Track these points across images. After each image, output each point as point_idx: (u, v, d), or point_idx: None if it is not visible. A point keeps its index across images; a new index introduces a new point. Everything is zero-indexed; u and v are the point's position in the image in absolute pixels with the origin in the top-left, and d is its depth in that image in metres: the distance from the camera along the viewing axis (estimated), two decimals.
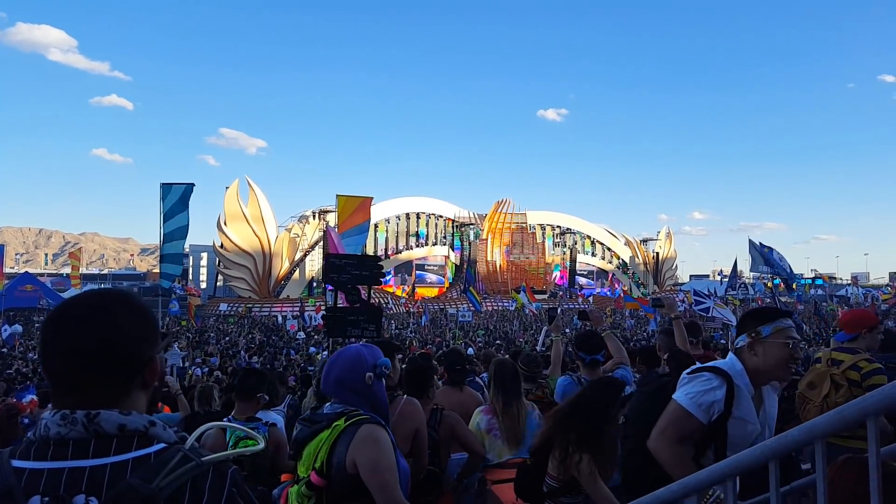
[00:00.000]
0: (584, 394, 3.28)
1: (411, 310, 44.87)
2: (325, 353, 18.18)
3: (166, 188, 18.90)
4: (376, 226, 59.84)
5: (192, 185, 19.58)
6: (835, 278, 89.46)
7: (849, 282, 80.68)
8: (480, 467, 3.88)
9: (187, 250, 60.04)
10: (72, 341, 1.12)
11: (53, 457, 1.08)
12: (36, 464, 1.08)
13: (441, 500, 3.57)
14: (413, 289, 57.23)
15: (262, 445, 1.32)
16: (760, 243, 19.64)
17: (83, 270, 67.78)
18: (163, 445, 1.14)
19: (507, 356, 5.84)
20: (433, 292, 62.68)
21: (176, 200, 18.77)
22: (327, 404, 2.51)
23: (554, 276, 69.89)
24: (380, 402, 2.48)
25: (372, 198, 26.38)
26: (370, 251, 56.62)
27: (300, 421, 2.52)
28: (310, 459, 2.34)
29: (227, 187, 49.78)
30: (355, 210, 26.23)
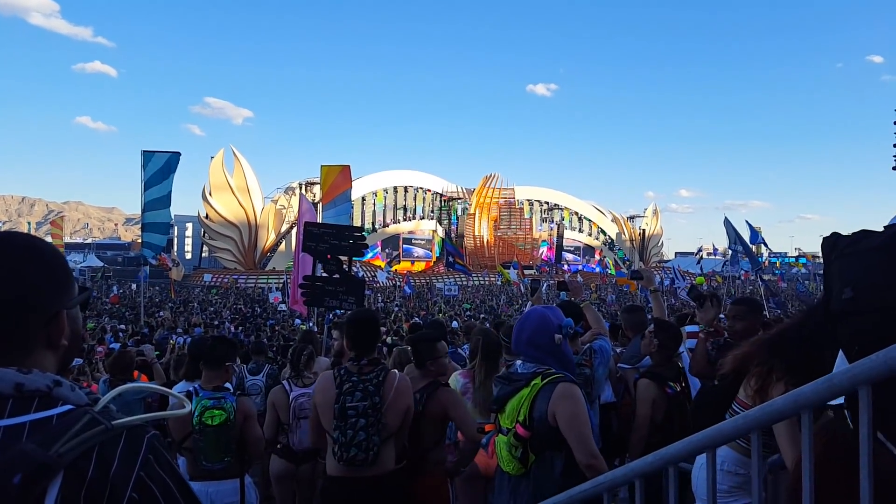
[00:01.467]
0: (796, 322, 3.25)
1: (397, 283, 44.84)
2: (309, 324, 18.09)
3: (148, 156, 18.50)
4: (363, 199, 59.53)
5: (178, 153, 19.13)
6: (818, 257, 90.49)
7: None
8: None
9: (172, 220, 59.58)
10: None
11: None
12: None
13: (424, 480, 3.41)
14: (392, 261, 57.05)
15: (187, 409, 1.15)
16: (747, 222, 19.78)
17: (66, 240, 67.05)
18: (69, 407, 1.00)
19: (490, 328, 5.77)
20: (420, 266, 62.68)
21: (158, 169, 18.37)
22: (518, 363, 2.77)
23: (541, 251, 70.09)
24: (568, 360, 2.78)
25: (349, 165, 26.01)
26: (356, 224, 56.47)
27: (498, 379, 2.83)
28: (513, 413, 2.63)
29: (212, 157, 49.21)
30: (336, 179, 25.88)
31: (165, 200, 18.67)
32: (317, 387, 3.45)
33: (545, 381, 2.61)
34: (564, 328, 2.75)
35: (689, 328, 5.37)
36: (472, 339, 4.39)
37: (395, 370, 3.40)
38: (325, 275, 6.93)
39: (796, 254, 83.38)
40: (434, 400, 3.49)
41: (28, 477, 0.88)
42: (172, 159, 18.66)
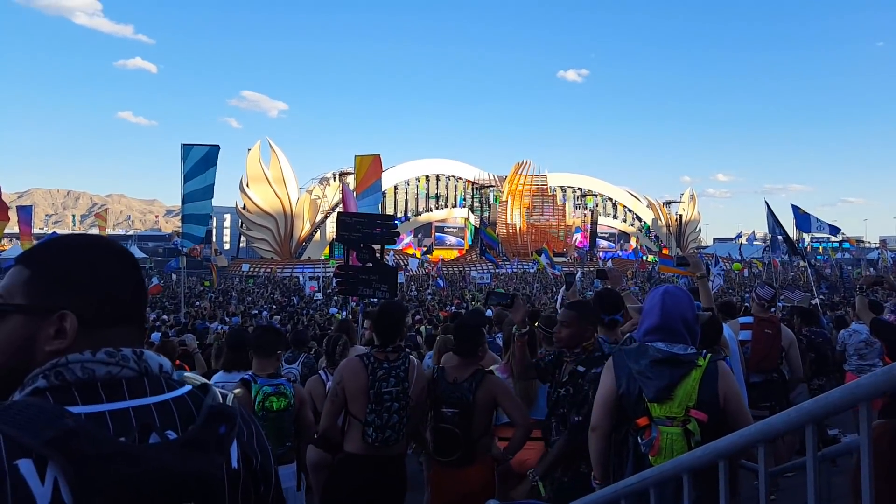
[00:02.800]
0: None
1: (431, 272, 44.93)
2: (344, 313, 18.22)
3: (187, 149, 18.79)
4: (396, 187, 59.68)
5: (217, 146, 19.39)
6: (863, 242, 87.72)
7: (877, 245, 79.01)
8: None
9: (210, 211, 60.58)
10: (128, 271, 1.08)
11: (110, 398, 0.96)
12: (89, 407, 0.94)
13: (473, 469, 3.48)
14: (429, 250, 57.23)
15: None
16: (794, 206, 19.09)
17: (109, 231, 68.82)
18: (190, 388, 1.09)
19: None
20: (452, 254, 62.67)
21: (197, 161, 18.66)
22: (660, 344, 2.52)
23: (574, 238, 69.40)
24: (697, 340, 2.66)
25: (379, 155, 26.02)
26: (389, 213, 56.68)
27: (661, 363, 2.48)
28: (686, 399, 2.43)
29: (248, 149, 49.88)
30: (368, 169, 25.98)
31: (206, 192, 18.92)
32: (345, 374, 3.51)
33: (707, 361, 2.49)
34: (699, 310, 2.83)
35: (742, 319, 5.24)
36: (504, 329, 4.34)
37: (413, 356, 3.64)
38: (358, 263, 6.97)
39: (840, 238, 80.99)
40: (484, 388, 3.50)
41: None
42: (212, 152, 18.91)
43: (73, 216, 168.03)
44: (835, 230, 18.40)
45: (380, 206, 47.94)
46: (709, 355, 2.55)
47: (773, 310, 5.78)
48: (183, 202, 19.26)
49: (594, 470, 2.70)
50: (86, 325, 1.00)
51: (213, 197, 19.14)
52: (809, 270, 16.44)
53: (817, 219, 18.08)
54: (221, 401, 1.08)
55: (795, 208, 18.40)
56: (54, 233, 49.24)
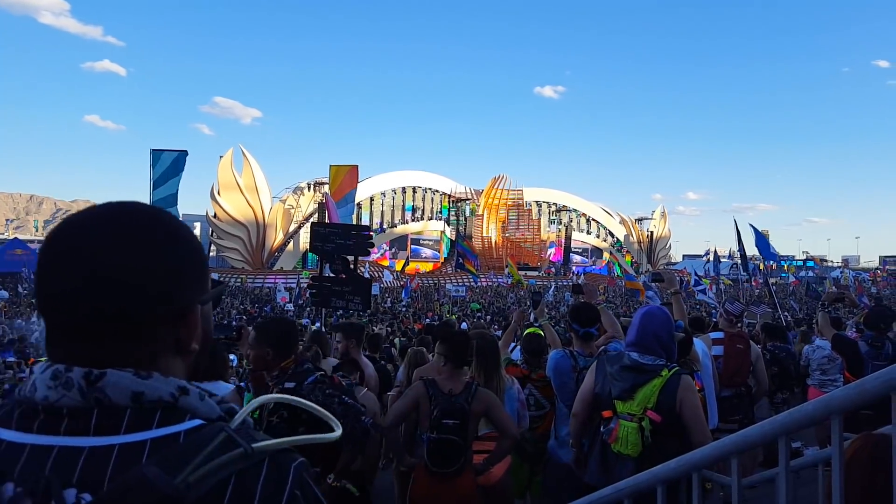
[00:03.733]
0: None
1: (407, 283, 44.80)
2: (318, 324, 18.07)
3: (156, 155, 18.64)
4: (371, 199, 59.58)
5: (185, 152, 19.26)
6: (826, 261, 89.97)
7: (839, 264, 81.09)
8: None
9: (180, 219, 59.70)
10: (77, 264, 0.77)
11: (41, 429, 0.76)
12: (17, 435, 0.76)
13: (463, 478, 3.50)
14: (405, 262, 57.17)
15: (338, 432, 0.90)
16: (751, 225, 19.65)
17: None
18: (198, 422, 0.79)
19: (500, 332, 5.73)
20: (428, 267, 62.63)
21: (166, 167, 18.49)
22: (634, 354, 3.04)
23: (549, 252, 69.89)
24: (674, 355, 3.14)
25: (357, 166, 26.03)
26: (365, 224, 56.48)
27: (626, 369, 3.03)
28: (644, 401, 2.94)
29: (221, 156, 49.31)
30: (344, 179, 26.00)
31: (172, 199, 18.76)
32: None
33: (671, 373, 2.95)
34: (679, 328, 3.25)
35: (713, 335, 5.32)
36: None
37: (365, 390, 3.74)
38: (332, 274, 6.92)
39: (804, 257, 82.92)
40: (478, 399, 3.54)
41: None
42: (180, 158, 18.75)
43: (36, 221, 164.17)
44: (773, 257, 19.14)
45: (353, 216, 47.70)
46: (675, 368, 2.98)
47: (739, 325, 5.88)
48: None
49: (573, 442, 3.41)
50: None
51: (176, 204, 19.00)
52: (770, 288, 16.85)
53: (770, 245, 18.71)
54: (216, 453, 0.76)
55: (754, 228, 18.95)
56: (16, 238, 48.02)
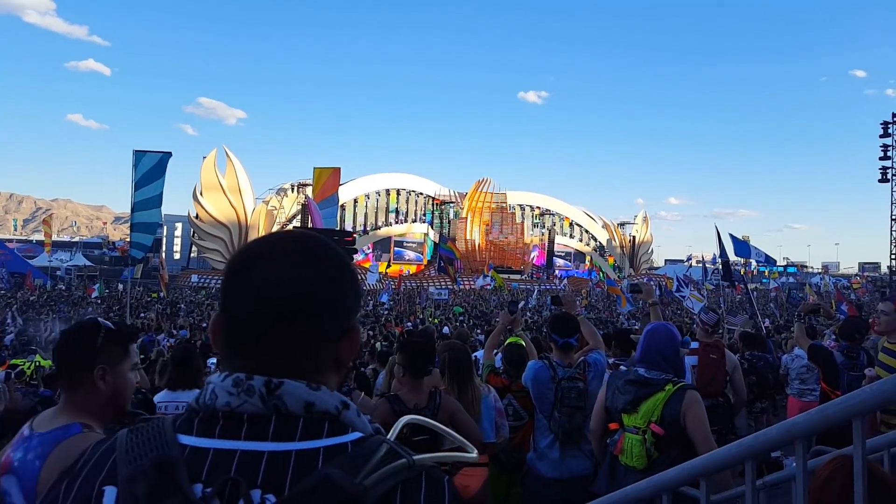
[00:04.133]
0: None
1: (390, 286, 44.70)
2: None
3: (139, 155, 18.32)
4: (355, 200, 59.41)
5: (169, 153, 18.94)
6: (806, 267, 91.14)
7: (819, 271, 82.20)
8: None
9: (161, 219, 59.09)
10: (271, 283, 0.86)
11: (222, 434, 0.82)
12: (200, 440, 0.82)
13: None
14: (388, 265, 57.10)
15: (474, 454, 0.98)
16: (731, 235, 19.78)
17: (54, 237, 66.42)
18: (360, 435, 0.86)
19: (482, 336, 5.73)
20: (411, 269, 62.57)
21: (149, 169, 18.20)
22: (641, 369, 3.13)
23: (532, 256, 70.14)
24: (681, 370, 3.25)
25: (339, 168, 25.99)
26: (349, 226, 56.27)
27: (631, 382, 3.12)
28: (648, 414, 3.01)
29: (204, 157, 48.90)
30: (326, 181, 25.94)
31: (156, 201, 18.47)
32: None
33: (676, 388, 3.02)
34: (684, 344, 3.47)
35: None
36: (438, 354, 4.28)
37: (358, 391, 3.71)
38: None
39: (784, 263, 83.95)
40: (443, 409, 3.48)
41: None
42: (164, 159, 18.46)
43: (15, 220, 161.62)
44: (771, 260, 19.06)
45: (337, 218, 47.46)
46: (680, 383, 3.05)
47: (718, 333, 5.94)
48: (133, 210, 18.75)
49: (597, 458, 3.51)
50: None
51: (161, 206, 18.71)
52: (750, 295, 17.01)
53: (755, 247, 18.74)
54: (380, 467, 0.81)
55: (733, 237, 19.07)
56: None
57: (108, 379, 1.82)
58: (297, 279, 0.87)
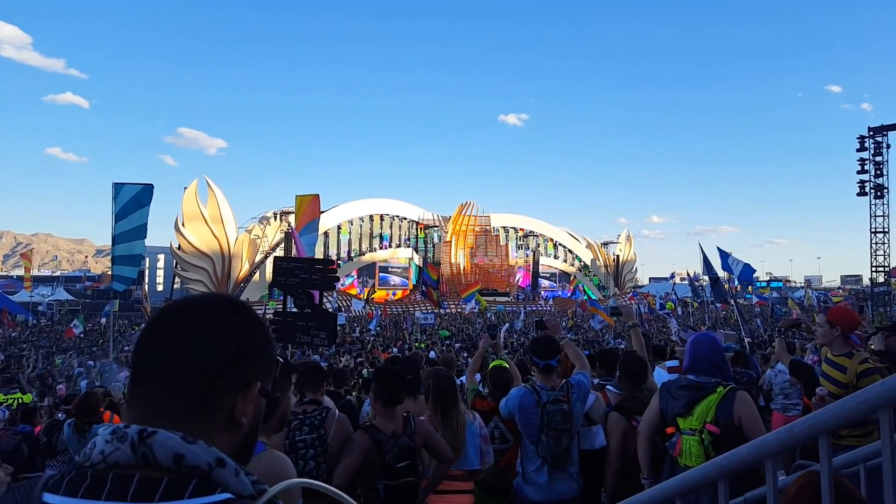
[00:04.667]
0: None
1: (376, 312, 44.45)
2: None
3: (118, 188, 18.27)
4: (339, 227, 59.32)
5: (151, 185, 18.88)
6: (789, 281, 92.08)
7: (802, 285, 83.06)
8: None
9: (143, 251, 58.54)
10: (167, 345, 0.90)
11: (86, 493, 0.80)
12: (64, 500, 0.80)
13: None
14: (371, 291, 56.82)
15: None
16: (718, 248, 19.89)
17: (35, 272, 65.54)
18: (227, 496, 0.81)
19: (470, 358, 5.72)
20: (397, 295, 62.35)
21: (128, 200, 18.12)
22: (691, 376, 3.37)
23: (517, 278, 70.25)
24: (728, 374, 3.50)
25: (318, 195, 25.88)
26: (332, 252, 56.10)
27: (683, 388, 3.36)
28: (702, 416, 3.21)
29: (185, 188, 48.69)
30: (307, 208, 25.79)
31: (139, 232, 18.34)
32: None
33: (727, 389, 3.23)
34: (729, 350, 3.82)
35: (668, 363, 5.40)
36: (423, 381, 4.27)
37: (337, 411, 3.76)
38: (295, 309, 6.84)
39: (767, 278, 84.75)
40: (419, 433, 3.54)
41: None
42: (145, 191, 18.38)
43: None
44: (749, 271, 19.12)
45: (320, 245, 47.17)
46: (730, 386, 3.28)
47: None
48: (113, 243, 18.61)
49: (642, 467, 3.58)
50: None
51: (145, 237, 18.58)
52: (738, 311, 17.12)
53: (737, 259, 18.83)
54: None
55: (720, 250, 19.23)
56: None
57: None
58: (191, 341, 0.90)
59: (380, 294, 59.19)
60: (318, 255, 48.73)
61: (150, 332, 0.93)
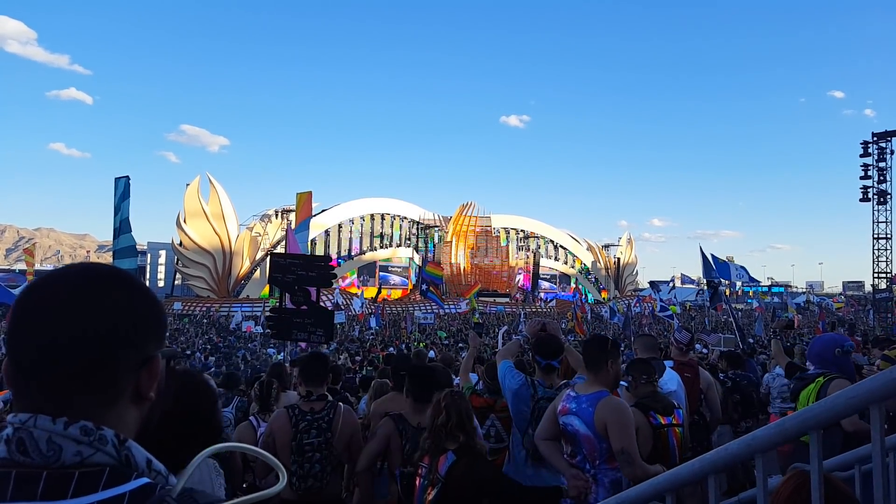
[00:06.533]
0: None
1: (376, 312, 44.43)
2: (282, 356, 17.82)
3: (119, 182, 18.36)
4: (340, 226, 59.36)
5: (127, 177, 19.00)
6: (790, 286, 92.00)
7: (804, 290, 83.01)
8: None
9: (145, 247, 58.65)
10: (38, 324, 0.81)
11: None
12: None
13: None
14: (378, 290, 56.90)
15: (283, 483, 0.94)
16: (713, 255, 19.89)
17: (37, 267, 65.64)
18: (145, 481, 0.79)
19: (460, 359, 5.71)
20: (396, 294, 62.37)
21: (119, 194, 18.24)
22: (811, 368, 4.05)
23: (517, 279, 70.24)
24: (848, 370, 3.96)
25: (311, 192, 26.16)
26: (333, 251, 56.12)
27: (795, 379, 4.16)
28: (804, 401, 3.73)
29: (187, 184, 48.78)
30: (303, 206, 26.06)
31: (126, 225, 18.43)
32: (274, 427, 3.68)
33: (826, 378, 3.77)
34: (845, 347, 4.05)
35: (665, 363, 5.40)
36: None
37: (341, 404, 3.81)
38: (292, 306, 6.83)
39: (769, 282, 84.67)
40: None
41: None
42: (122, 183, 18.43)
43: None
44: (754, 280, 19.22)
45: (308, 242, 47.28)
46: (830, 375, 3.79)
47: (694, 352, 6.01)
48: (115, 236, 18.69)
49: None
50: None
51: (130, 230, 18.63)
52: (732, 316, 17.12)
53: (738, 266, 18.85)
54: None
55: (715, 258, 19.21)
56: None
57: None
58: (79, 316, 0.82)
59: (370, 292, 59.13)
60: (320, 252, 48.75)
61: (32, 309, 0.83)
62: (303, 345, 7.52)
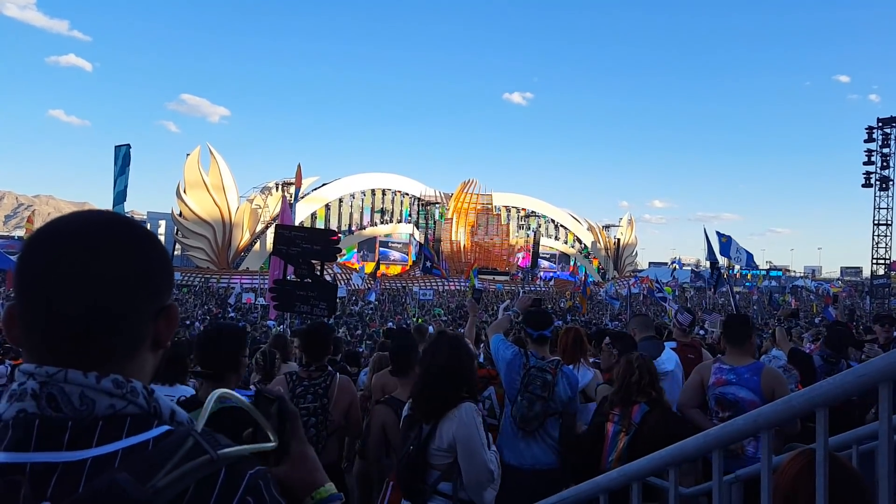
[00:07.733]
0: None
1: (375, 288, 44.58)
2: (282, 327, 17.87)
3: (118, 150, 18.25)
4: (340, 200, 59.24)
5: (128, 145, 18.84)
6: (789, 271, 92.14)
7: (802, 274, 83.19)
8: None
9: (144, 217, 58.56)
10: (66, 270, 0.78)
11: (10, 445, 0.75)
12: None
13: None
14: (376, 266, 56.93)
15: (275, 442, 0.95)
16: (718, 232, 19.86)
17: None
18: (166, 428, 0.81)
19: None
20: (396, 270, 62.47)
21: (119, 162, 18.13)
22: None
23: (517, 257, 70.29)
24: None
25: (300, 164, 26.20)
26: (334, 225, 56.09)
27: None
28: None
29: (187, 154, 48.54)
30: (297, 179, 26.11)
31: (120, 196, 18.36)
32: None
33: None
34: None
35: (667, 344, 5.44)
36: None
37: (339, 373, 3.86)
38: (296, 279, 6.82)
39: (767, 266, 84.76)
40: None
41: None
42: (122, 151, 18.27)
43: None
44: (753, 264, 19.22)
45: (295, 214, 47.35)
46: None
47: (695, 333, 6.06)
48: (113, 205, 18.65)
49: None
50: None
51: (123, 202, 18.56)
52: (734, 298, 17.14)
53: (738, 247, 18.82)
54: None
55: (719, 234, 19.19)
56: None
57: None
58: (103, 258, 0.80)
59: (369, 267, 59.20)
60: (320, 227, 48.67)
61: (58, 260, 0.79)
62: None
